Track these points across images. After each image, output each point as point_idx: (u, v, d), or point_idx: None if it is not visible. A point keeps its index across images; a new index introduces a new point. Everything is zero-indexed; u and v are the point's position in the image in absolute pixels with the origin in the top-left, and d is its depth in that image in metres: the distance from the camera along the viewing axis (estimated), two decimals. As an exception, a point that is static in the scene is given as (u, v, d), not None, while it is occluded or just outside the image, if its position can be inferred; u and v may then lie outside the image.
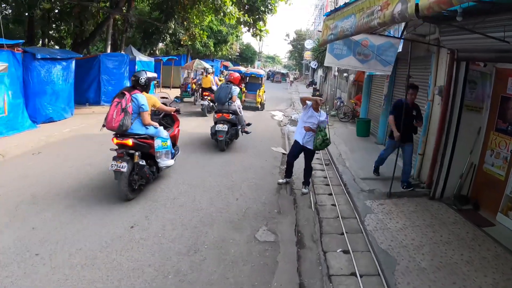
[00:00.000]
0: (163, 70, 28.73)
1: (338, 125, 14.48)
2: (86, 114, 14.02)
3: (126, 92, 5.48)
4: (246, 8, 17.83)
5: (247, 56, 59.04)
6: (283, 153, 9.33)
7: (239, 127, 9.57)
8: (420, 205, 6.16)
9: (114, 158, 5.41)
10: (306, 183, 6.75)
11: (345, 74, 16.30)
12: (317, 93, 23.99)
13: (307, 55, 46.50)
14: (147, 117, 5.66)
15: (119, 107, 5.35)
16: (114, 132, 5.52)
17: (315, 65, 30.97)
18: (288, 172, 6.98)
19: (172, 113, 6.97)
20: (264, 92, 18.93)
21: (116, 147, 5.58)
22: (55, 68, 12.53)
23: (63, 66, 12.93)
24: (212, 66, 33.92)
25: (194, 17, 22.62)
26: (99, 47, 29.06)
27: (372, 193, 6.68)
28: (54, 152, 8.36)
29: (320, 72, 32.76)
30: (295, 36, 68.49)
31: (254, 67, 51.99)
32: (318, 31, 19.33)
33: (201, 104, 15.15)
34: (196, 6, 20.57)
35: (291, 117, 16.26)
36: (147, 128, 5.72)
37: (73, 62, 13.66)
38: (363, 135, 11.71)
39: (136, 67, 20.84)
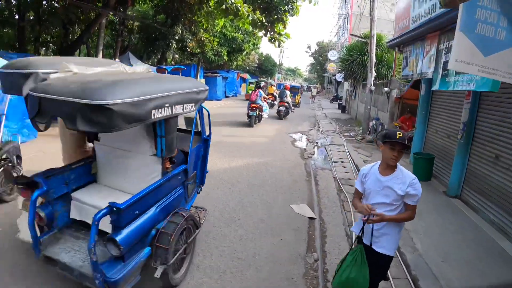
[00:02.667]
0: (171, 82, 25.68)
1: (378, 156, 10.96)
2: (54, 136, 10.89)
3: (256, 89, 16.29)
4: (262, 7, 14.58)
5: (266, 68, 55.86)
6: (310, 218, 5.81)
7: (290, 109, 19.58)
8: None
9: (250, 110, 15.12)
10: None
11: (385, 89, 12.74)
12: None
13: (331, 67, 43.15)
14: (263, 99, 16.56)
15: (255, 93, 15.76)
16: (252, 102, 15.49)
17: (341, 77, 27.52)
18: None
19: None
20: (300, 96, 30.90)
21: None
22: (4, 77, 9.44)
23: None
24: (225, 78, 30.93)
25: (203, 20, 19.56)
26: (108, 53, 26.04)
27: None
28: None
29: (346, 85, 29.22)
30: (317, 48, 65.18)
31: (274, 79, 49.75)
32: (351, 34, 15.90)
33: (267, 102, 21.82)
34: (204, 6, 17.51)
35: (316, 143, 12.75)
36: (261, 102, 16.07)
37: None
38: (424, 178, 8.10)
39: (133, 77, 17.82)
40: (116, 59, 17.68)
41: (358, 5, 37.59)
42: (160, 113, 2.93)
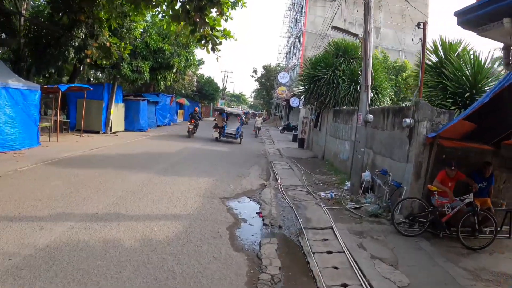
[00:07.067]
0: (78, 105, 18.61)
1: (409, 257, 5.21)
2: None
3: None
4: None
5: (207, 92, 49.85)
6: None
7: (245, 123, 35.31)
8: None
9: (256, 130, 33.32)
10: None
11: (407, 121, 6.98)
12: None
13: (281, 91, 38.10)
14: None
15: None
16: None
17: (299, 102, 22.26)
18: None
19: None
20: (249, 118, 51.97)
21: None
22: None
23: None
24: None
25: (110, 17, 13.16)
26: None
27: None
28: None
29: (302, 112, 23.82)
30: (263, 72, 60.50)
31: (217, 105, 46.01)
32: (333, 27, 10.34)
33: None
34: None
35: (280, 227, 6.53)
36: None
37: None
38: None
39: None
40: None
41: (312, 22, 33.34)
42: (239, 115, 22.86)
